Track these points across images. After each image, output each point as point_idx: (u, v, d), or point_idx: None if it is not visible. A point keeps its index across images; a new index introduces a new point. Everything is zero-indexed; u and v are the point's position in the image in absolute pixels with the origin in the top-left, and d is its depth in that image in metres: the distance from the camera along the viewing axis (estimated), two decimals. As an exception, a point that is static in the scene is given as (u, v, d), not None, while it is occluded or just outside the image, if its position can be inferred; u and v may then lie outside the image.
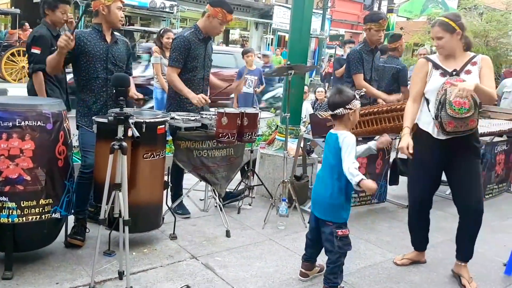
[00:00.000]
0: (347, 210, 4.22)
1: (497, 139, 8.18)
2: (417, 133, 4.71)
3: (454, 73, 4.54)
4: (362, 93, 4.54)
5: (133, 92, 5.19)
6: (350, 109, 4.14)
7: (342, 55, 12.90)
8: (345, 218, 4.20)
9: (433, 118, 4.52)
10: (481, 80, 4.46)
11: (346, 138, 4.05)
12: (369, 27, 6.75)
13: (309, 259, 4.56)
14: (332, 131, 4.26)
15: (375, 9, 36.34)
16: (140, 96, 5.29)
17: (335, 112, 4.17)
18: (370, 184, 3.84)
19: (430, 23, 18.79)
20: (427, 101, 4.66)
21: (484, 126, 7.75)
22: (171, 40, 8.49)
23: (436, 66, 4.66)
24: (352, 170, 3.90)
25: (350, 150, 4.00)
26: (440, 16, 4.67)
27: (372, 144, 4.34)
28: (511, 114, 8.98)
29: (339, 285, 4.26)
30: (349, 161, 3.95)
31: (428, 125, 4.65)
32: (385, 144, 4.52)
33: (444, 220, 5.26)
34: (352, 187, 4.06)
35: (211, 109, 5.93)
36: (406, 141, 4.54)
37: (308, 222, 4.61)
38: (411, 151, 4.48)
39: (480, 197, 4.71)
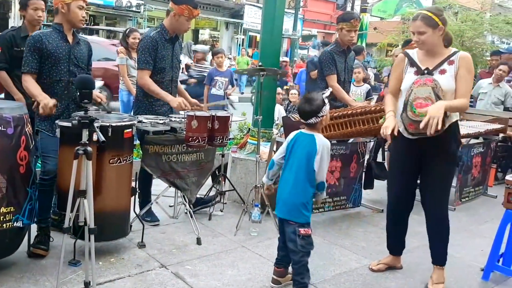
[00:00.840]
0: (309, 211, 4.31)
1: (473, 141, 8.27)
2: (396, 132, 4.74)
3: (425, 71, 4.55)
4: (328, 94, 4.56)
5: (95, 94, 5.12)
6: (322, 116, 4.30)
7: (316, 56, 12.93)
8: (307, 218, 4.29)
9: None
10: (456, 83, 4.46)
11: (325, 145, 4.24)
12: (341, 27, 6.81)
13: (280, 263, 4.57)
14: (305, 131, 4.37)
15: (348, 8, 36.68)
16: (103, 99, 5.25)
17: (308, 122, 4.31)
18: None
19: (405, 22, 18.98)
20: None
21: (460, 128, 7.84)
22: (137, 41, 8.47)
23: (411, 63, 4.69)
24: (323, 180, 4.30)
25: (327, 154, 4.23)
26: (422, 9, 4.65)
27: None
28: (487, 116, 9.12)
29: (308, 284, 4.33)
30: (323, 172, 4.28)
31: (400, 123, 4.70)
32: None
33: (421, 225, 5.24)
34: (313, 189, 4.29)
35: (180, 112, 5.90)
36: (391, 121, 4.57)
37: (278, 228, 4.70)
38: (395, 132, 4.49)
39: (444, 201, 4.75)
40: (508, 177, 4.88)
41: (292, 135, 4.47)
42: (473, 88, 9.51)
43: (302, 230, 4.23)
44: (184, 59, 12.31)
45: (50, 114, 4.60)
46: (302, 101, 4.44)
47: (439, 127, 4.17)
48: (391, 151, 4.67)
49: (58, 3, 4.83)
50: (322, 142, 4.26)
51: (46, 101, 4.53)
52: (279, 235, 4.57)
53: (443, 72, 4.52)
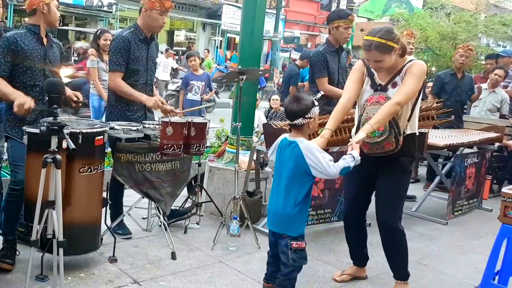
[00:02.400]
0: (303, 223, 4.36)
1: (467, 150, 8.29)
2: None
3: (379, 88, 4.68)
4: (319, 96, 4.63)
5: (70, 92, 5.15)
6: (310, 117, 4.26)
7: (295, 64, 13.08)
8: (301, 231, 4.32)
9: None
10: (397, 91, 4.57)
11: (306, 144, 4.21)
12: (337, 24, 6.77)
13: (270, 278, 4.57)
14: (289, 137, 4.37)
15: (333, 9, 36.72)
16: (80, 97, 5.26)
17: (294, 122, 4.28)
18: (356, 152, 4.26)
19: (394, 24, 19.09)
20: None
21: (453, 137, 7.93)
22: (109, 42, 8.46)
23: (369, 74, 4.79)
24: (339, 166, 4.20)
25: (318, 153, 4.19)
26: (371, 35, 4.54)
27: (353, 153, 4.33)
28: (482, 124, 9.24)
29: None
30: (328, 165, 4.16)
31: (353, 134, 4.84)
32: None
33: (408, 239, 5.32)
34: (309, 198, 4.32)
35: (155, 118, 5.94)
36: (320, 142, 4.54)
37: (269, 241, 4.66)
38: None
39: (395, 212, 4.86)
40: (504, 189, 4.76)
41: (278, 140, 4.47)
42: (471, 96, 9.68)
43: (294, 244, 4.24)
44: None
45: (25, 114, 4.60)
46: (290, 100, 4.45)
47: (394, 146, 4.50)
48: None
49: (38, 3, 4.82)
50: (305, 145, 4.21)
51: (22, 100, 4.48)
52: (269, 248, 4.57)
53: (395, 85, 4.65)
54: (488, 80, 10.38)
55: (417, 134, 4.90)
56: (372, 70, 4.75)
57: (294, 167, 4.23)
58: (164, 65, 21.27)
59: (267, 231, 6.13)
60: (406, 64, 4.65)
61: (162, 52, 21.33)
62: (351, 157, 4.27)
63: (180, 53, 33.43)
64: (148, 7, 5.63)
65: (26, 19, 5.03)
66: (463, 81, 9.41)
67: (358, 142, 4.35)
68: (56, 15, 4.96)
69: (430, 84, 10.51)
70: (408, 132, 4.72)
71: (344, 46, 7.28)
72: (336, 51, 6.97)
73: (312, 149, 4.19)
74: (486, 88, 10.29)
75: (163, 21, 5.78)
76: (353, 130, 4.94)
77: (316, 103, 4.35)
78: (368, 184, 5.01)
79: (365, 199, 5.14)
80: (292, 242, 4.24)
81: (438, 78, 9.79)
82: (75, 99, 5.19)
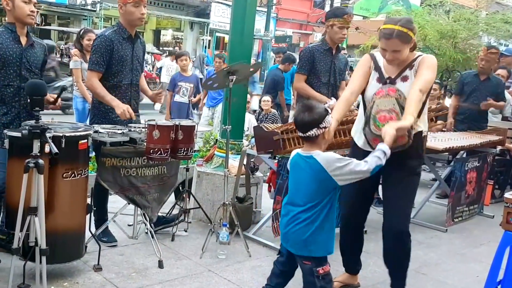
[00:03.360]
0: (329, 241, 4.19)
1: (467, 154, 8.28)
2: (352, 142, 4.86)
3: (388, 81, 4.68)
4: (330, 105, 4.61)
5: (49, 94, 5.12)
6: (324, 127, 4.09)
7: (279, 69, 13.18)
8: (326, 251, 4.18)
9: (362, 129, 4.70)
10: (415, 80, 4.56)
11: (324, 156, 4.05)
12: (332, 23, 6.75)
13: None
14: (302, 152, 4.21)
15: (327, 6, 36.81)
16: (55, 97, 5.26)
17: (307, 134, 4.09)
18: (389, 139, 4.09)
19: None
20: (364, 105, 4.86)
21: (453, 139, 7.93)
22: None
23: (376, 68, 4.81)
24: (371, 164, 4.05)
25: (341, 162, 4.03)
26: (392, 24, 4.54)
27: (383, 147, 4.17)
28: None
29: None
30: (355, 170, 4.03)
31: (355, 132, 4.87)
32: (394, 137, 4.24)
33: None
34: (334, 213, 4.16)
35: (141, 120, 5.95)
36: None
37: (278, 254, 4.50)
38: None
39: (404, 218, 4.83)
40: (507, 195, 4.65)
41: (290, 157, 4.35)
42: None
43: (320, 270, 4.09)
44: (195, 72, 12.33)
45: None
46: (300, 109, 4.20)
47: (406, 140, 4.33)
48: None
49: (3, 0, 4.89)
50: (323, 157, 4.05)
51: None
52: (279, 262, 4.42)
53: (405, 79, 4.66)
54: None
55: (425, 133, 4.90)
56: (379, 64, 4.77)
57: (316, 184, 4.07)
58: (168, 68, 21.00)
59: (258, 238, 6.24)
60: (416, 58, 4.67)
61: (166, 55, 21.07)
62: (382, 153, 4.12)
63: (167, 53, 33.37)
64: (122, 2, 5.69)
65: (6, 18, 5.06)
66: (485, 83, 9.34)
67: (391, 136, 4.13)
68: (22, 10, 4.95)
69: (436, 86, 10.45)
70: (420, 129, 4.69)
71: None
72: (329, 50, 6.92)
73: (332, 159, 4.03)
74: None
75: (140, 13, 5.72)
76: (355, 127, 4.91)
77: (329, 110, 4.20)
78: (367, 192, 5.01)
79: (365, 207, 5.14)
80: (318, 269, 4.09)
81: (460, 77, 9.83)
82: (51, 100, 5.20)
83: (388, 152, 4.13)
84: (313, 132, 4.05)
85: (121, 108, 5.50)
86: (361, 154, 4.63)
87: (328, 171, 4.00)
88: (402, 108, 4.46)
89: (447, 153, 7.88)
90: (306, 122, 4.07)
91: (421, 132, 4.79)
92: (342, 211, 5.19)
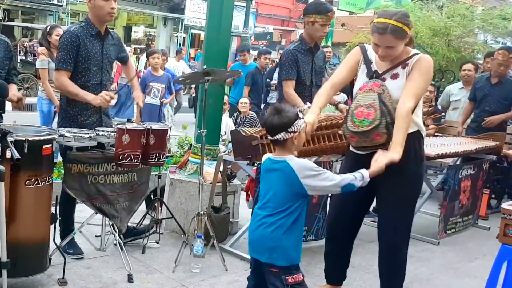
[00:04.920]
0: (295, 250, 4.18)
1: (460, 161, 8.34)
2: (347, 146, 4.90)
3: (374, 75, 4.72)
4: (306, 108, 4.66)
5: (11, 93, 5.17)
6: (294, 132, 4.10)
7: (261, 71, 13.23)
8: (295, 259, 4.17)
9: None
10: (406, 88, 4.58)
11: (297, 162, 4.10)
12: (314, 19, 6.69)
13: None
14: (273, 156, 4.26)
15: (310, 1, 36.84)
16: (20, 95, 5.27)
17: (275, 137, 4.13)
18: (375, 169, 4.20)
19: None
20: None
21: (446, 145, 7.90)
22: (60, 39, 8.49)
23: (366, 61, 4.84)
24: (343, 181, 4.11)
25: (314, 171, 4.07)
26: (385, 18, 4.54)
27: (363, 172, 4.26)
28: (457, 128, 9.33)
29: None
30: (327, 184, 4.10)
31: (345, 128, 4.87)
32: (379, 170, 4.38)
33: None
34: (302, 221, 4.20)
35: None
36: (309, 117, 4.63)
37: (250, 267, 4.54)
38: (308, 129, 4.52)
39: (397, 227, 4.87)
40: (504, 205, 4.71)
41: (261, 161, 4.41)
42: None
43: (290, 278, 4.04)
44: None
45: None
46: (270, 112, 4.22)
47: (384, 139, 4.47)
48: (341, 167, 4.79)
49: None
50: (297, 163, 4.09)
51: None
52: (250, 275, 4.46)
53: (395, 76, 4.70)
54: None
55: (423, 133, 4.92)
56: (370, 57, 4.80)
57: (286, 189, 4.09)
58: (174, 70, 20.46)
59: (235, 251, 6.26)
60: (412, 56, 4.68)
61: (174, 56, 20.84)
62: (361, 176, 4.19)
63: (139, 51, 33.29)
64: None
65: None
66: (498, 87, 9.33)
67: (379, 167, 4.28)
68: None
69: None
70: (412, 130, 4.69)
71: (323, 43, 7.29)
72: (310, 50, 6.93)
73: (306, 167, 4.07)
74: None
75: (110, 7, 5.70)
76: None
77: (301, 115, 4.20)
78: (359, 198, 4.91)
79: (357, 214, 5.15)
80: (287, 277, 4.04)
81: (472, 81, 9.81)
82: (15, 99, 5.21)
83: (367, 180, 4.22)
84: (281, 135, 4.09)
85: (97, 99, 5.54)
86: (351, 157, 4.76)
87: (300, 177, 4.04)
88: (383, 104, 4.50)
89: (439, 160, 7.86)
90: (274, 126, 4.12)
91: (418, 131, 4.81)
92: (329, 215, 5.23)
